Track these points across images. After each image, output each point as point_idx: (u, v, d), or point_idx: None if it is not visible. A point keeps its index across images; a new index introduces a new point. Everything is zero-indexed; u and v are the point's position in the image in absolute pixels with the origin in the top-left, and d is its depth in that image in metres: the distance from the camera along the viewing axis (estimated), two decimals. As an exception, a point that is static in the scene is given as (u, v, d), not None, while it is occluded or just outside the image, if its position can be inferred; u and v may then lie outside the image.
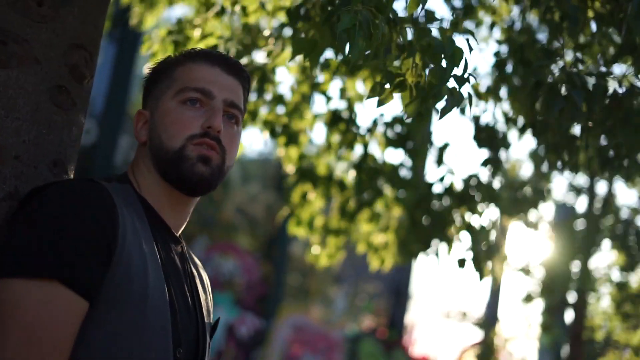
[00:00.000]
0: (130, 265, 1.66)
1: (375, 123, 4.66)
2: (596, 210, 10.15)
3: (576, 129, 3.11)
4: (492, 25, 4.33)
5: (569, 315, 11.29)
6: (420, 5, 2.11)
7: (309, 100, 4.52)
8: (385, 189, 4.73)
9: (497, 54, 3.93)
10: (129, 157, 12.99)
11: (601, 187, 10.42)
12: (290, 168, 4.79)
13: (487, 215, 4.48)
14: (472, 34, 2.22)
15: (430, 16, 3.31)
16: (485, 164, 4.39)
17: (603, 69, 3.29)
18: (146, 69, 2.05)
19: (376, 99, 2.18)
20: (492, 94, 4.29)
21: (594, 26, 3.11)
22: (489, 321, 17.95)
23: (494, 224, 4.55)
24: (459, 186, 4.50)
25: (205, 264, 14.75)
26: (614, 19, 2.82)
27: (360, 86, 4.55)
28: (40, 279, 1.55)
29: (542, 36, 3.81)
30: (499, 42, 4.14)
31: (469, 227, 4.42)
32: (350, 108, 4.59)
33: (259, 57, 4.15)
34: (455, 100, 2.10)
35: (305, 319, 18.11)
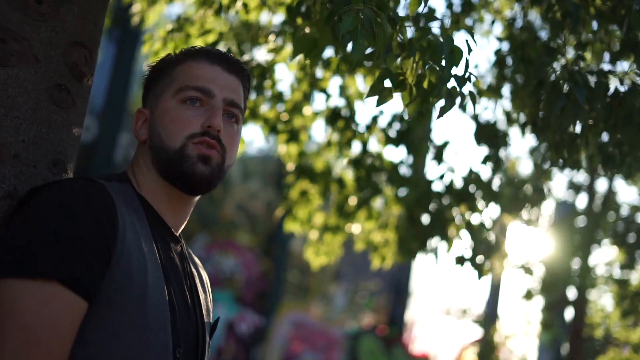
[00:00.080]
0: (129, 265, 1.66)
1: (374, 120, 4.66)
2: (596, 207, 10.15)
3: (577, 127, 3.10)
4: (492, 22, 4.32)
5: (568, 313, 11.29)
6: (422, 4, 2.10)
7: (309, 98, 4.51)
8: (384, 187, 4.73)
9: (497, 52, 3.92)
10: (129, 155, 12.99)
11: (601, 185, 10.43)
12: (290, 166, 4.78)
13: (487, 213, 4.48)
14: (472, 34, 2.21)
15: (430, 14, 3.30)
16: (485, 161, 4.38)
17: (604, 66, 3.29)
18: (146, 67, 2.04)
19: (376, 97, 2.18)
20: (492, 91, 4.28)
21: (595, 24, 3.10)
22: (489, 318, 17.95)
23: (494, 222, 4.55)
24: (458, 184, 4.49)
25: (205, 261, 14.80)
26: (616, 17, 2.82)
27: (360, 82, 4.55)
28: (39, 279, 1.55)
29: (544, 33, 3.80)
30: (500, 39, 4.13)
31: (468, 225, 4.41)
32: (350, 106, 4.58)
33: (259, 54, 4.15)
34: (455, 100, 2.09)
35: (305, 316, 18.13)
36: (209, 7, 3.79)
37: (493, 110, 4.36)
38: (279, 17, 4.03)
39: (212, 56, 1.93)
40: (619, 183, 10.79)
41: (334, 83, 4.41)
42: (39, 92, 1.83)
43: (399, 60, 2.17)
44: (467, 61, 2.10)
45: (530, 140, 4.92)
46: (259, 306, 16.47)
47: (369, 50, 2.08)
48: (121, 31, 12.30)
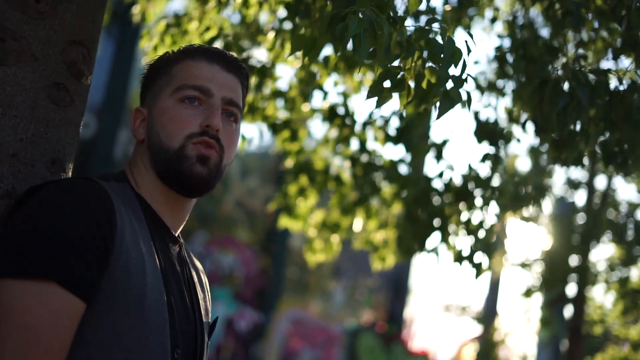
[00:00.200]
0: (128, 265, 1.65)
1: (371, 117, 4.66)
2: (595, 204, 10.15)
3: (577, 125, 3.10)
4: (493, 20, 4.31)
5: (568, 310, 11.29)
6: (422, 2, 2.10)
7: (308, 95, 4.51)
8: (383, 186, 4.72)
9: (498, 49, 3.92)
10: (128, 151, 12.97)
11: (600, 182, 10.43)
12: (288, 162, 4.78)
13: (487, 211, 4.47)
14: (471, 35, 2.20)
15: (431, 13, 3.29)
16: (484, 159, 4.38)
17: (605, 64, 3.29)
18: (144, 65, 2.03)
19: (375, 98, 2.17)
20: (493, 88, 4.27)
21: (596, 22, 3.10)
22: (488, 315, 17.97)
23: (495, 220, 4.54)
24: (458, 182, 4.49)
25: (204, 258, 14.79)
26: (616, 15, 2.81)
27: (357, 77, 4.54)
28: (38, 280, 1.54)
29: (545, 31, 3.80)
30: (500, 37, 4.13)
31: (467, 224, 4.41)
32: (346, 103, 4.58)
33: (259, 53, 4.14)
34: (452, 101, 2.08)
35: (304, 313, 18.13)
36: (208, 4, 3.79)
37: (494, 109, 4.36)
38: (278, 15, 4.02)
39: (210, 55, 1.92)
40: (618, 180, 10.77)
41: (331, 81, 4.40)
42: (37, 91, 1.82)
43: (398, 60, 2.16)
44: (464, 62, 2.09)
45: (530, 137, 4.91)
46: (258, 303, 16.47)
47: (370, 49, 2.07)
48: (120, 27, 12.28)
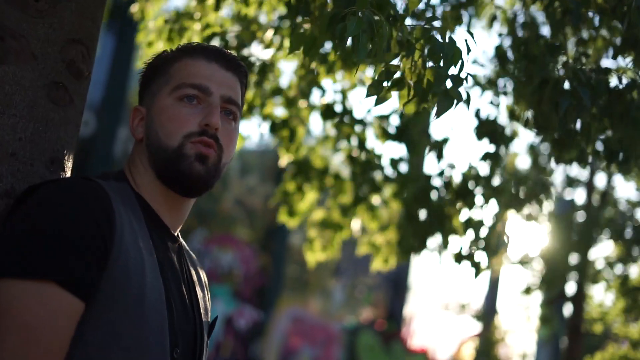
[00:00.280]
0: (127, 265, 1.65)
1: (369, 114, 4.66)
2: (595, 201, 10.16)
3: (577, 124, 3.10)
4: (494, 18, 4.30)
5: (567, 308, 11.31)
6: (422, 2, 2.09)
7: (307, 93, 4.50)
8: (383, 185, 4.71)
9: (499, 48, 3.91)
10: (128, 149, 12.97)
11: (600, 180, 10.43)
12: (286, 159, 4.76)
13: (487, 210, 4.47)
14: (472, 33, 2.19)
15: (431, 12, 3.29)
16: (485, 158, 4.37)
17: (605, 62, 3.29)
18: (142, 64, 2.02)
19: (375, 97, 2.17)
20: (493, 85, 4.27)
21: (596, 20, 3.10)
22: (487, 313, 17.99)
23: (495, 219, 4.54)
24: (458, 180, 4.48)
25: (203, 256, 14.79)
26: (617, 14, 2.81)
27: (357, 76, 4.54)
28: (37, 280, 1.54)
29: (546, 29, 3.79)
30: (501, 35, 4.12)
31: (467, 222, 4.40)
32: (344, 101, 4.58)
33: (258, 50, 4.13)
34: (452, 100, 2.08)
35: (304, 311, 18.14)
36: (207, 1, 3.78)
37: (496, 106, 4.35)
38: (277, 13, 4.01)
39: (208, 53, 1.91)
40: (618, 178, 10.78)
41: (330, 78, 4.40)
42: (36, 90, 1.82)
43: (398, 59, 2.15)
44: (462, 62, 2.09)
45: (529, 136, 4.90)
46: (257, 301, 16.48)
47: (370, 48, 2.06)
48: (120, 25, 12.27)
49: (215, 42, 3.95)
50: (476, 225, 4.37)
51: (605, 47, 3.33)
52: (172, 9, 4.10)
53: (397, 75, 2.16)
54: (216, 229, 16.53)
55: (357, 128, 4.65)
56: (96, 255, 1.60)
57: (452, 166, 4.52)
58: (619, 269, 10.17)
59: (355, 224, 4.95)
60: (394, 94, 2.19)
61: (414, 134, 4.57)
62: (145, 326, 1.66)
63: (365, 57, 1.97)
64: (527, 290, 11.26)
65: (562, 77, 2.76)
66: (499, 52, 3.85)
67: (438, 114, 2.10)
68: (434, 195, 4.51)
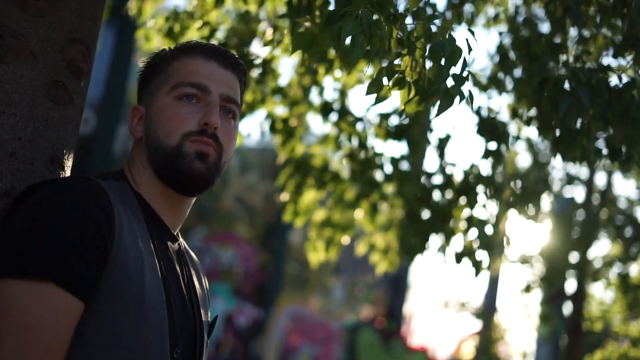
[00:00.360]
0: (126, 265, 1.65)
1: (369, 112, 4.65)
2: (595, 200, 10.16)
3: (577, 123, 3.10)
4: (496, 16, 4.30)
5: (567, 306, 11.31)
6: (422, 0, 2.09)
7: (307, 90, 4.50)
8: (384, 185, 4.71)
9: (500, 47, 3.91)
10: (128, 147, 12.96)
11: (600, 179, 10.43)
12: (283, 157, 4.76)
13: (489, 208, 4.46)
14: (472, 32, 2.19)
15: (432, 9, 3.28)
16: (486, 156, 4.36)
17: (606, 60, 3.28)
18: (140, 63, 2.02)
19: (375, 95, 2.16)
20: (493, 83, 4.26)
21: (597, 18, 3.09)
22: (487, 311, 17.99)
23: (497, 218, 4.53)
24: (459, 178, 4.47)
25: (203, 254, 14.79)
26: (617, 13, 2.81)
27: (358, 75, 4.53)
28: (36, 280, 1.54)
29: (546, 27, 3.79)
30: (501, 34, 4.11)
31: (469, 221, 4.39)
32: (342, 99, 4.57)
33: (258, 48, 4.13)
34: (452, 99, 2.08)
35: (304, 309, 18.14)
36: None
37: (496, 105, 4.35)
38: (277, 11, 4.01)
39: (207, 52, 1.91)
40: (617, 177, 10.79)
41: (329, 77, 4.40)
42: (36, 89, 1.81)
43: (399, 57, 2.15)
44: (465, 60, 2.08)
45: (530, 134, 4.90)
46: (257, 299, 16.48)
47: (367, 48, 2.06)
48: (120, 23, 12.26)
49: (215, 41, 3.94)
50: (478, 224, 4.36)
51: (606, 45, 3.32)
52: (170, 7, 4.10)
53: (398, 73, 2.15)
54: (216, 227, 16.53)
55: (358, 127, 4.65)
56: (96, 255, 1.60)
57: (453, 164, 4.52)
58: (618, 267, 10.17)
59: (357, 223, 4.95)
60: (395, 92, 2.19)
61: (414, 132, 4.56)
62: (145, 326, 1.66)
63: (362, 58, 1.96)
64: (527, 289, 11.26)
65: (561, 77, 2.76)
66: (500, 50, 3.85)
67: (439, 113, 2.10)
68: (436, 194, 4.50)
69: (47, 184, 1.68)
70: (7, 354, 1.51)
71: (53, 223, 1.59)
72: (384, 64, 2.16)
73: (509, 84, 4.20)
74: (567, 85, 2.74)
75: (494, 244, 4.40)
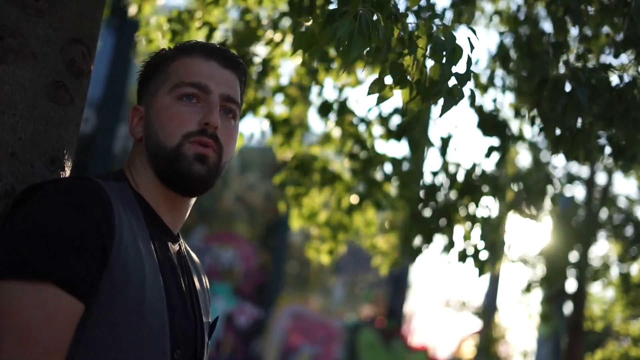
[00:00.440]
0: (126, 265, 1.64)
1: (370, 113, 4.65)
2: (595, 200, 10.15)
3: (577, 123, 3.09)
4: (497, 13, 4.29)
5: (568, 306, 11.31)
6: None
7: (307, 90, 4.50)
8: (384, 184, 4.70)
9: (501, 46, 3.90)
10: (128, 146, 12.95)
11: (600, 178, 10.43)
12: (282, 156, 4.75)
13: (492, 207, 4.45)
14: (474, 30, 2.18)
15: (432, 10, 3.28)
16: (489, 154, 4.34)
17: (607, 59, 3.28)
18: (140, 63, 2.01)
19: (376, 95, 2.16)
20: (493, 84, 4.26)
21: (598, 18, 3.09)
22: (488, 311, 17.98)
23: (500, 218, 4.52)
24: (461, 177, 4.46)
25: (204, 253, 14.78)
26: (618, 12, 2.80)
27: (357, 71, 4.53)
28: (36, 282, 1.53)
29: (548, 26, 3.78)
30: (502, 34, 4.11)
31: (473, 220, 4.38)
32: (341, 99, 4.57)
33: (259, 48, 4.12)
34: (455, 98, 2.07)
35: (304, 309, 18.14)
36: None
37: (498, 103, 4.33)
38: (278, 10, 4.00)
39: (207, 51, 1.90)
40: (618, 176, 10.79)
41: (330, 76, 4.41)
42: (36, 90, 1.81)
43: (400, 57, 2.14)
44: (469, 59, 2.08)
45: (531, 133, 4.89)
46: (257, 298, 16.47)
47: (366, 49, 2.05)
48: (120, 22, 12.24)
49: (215, 41, 3.94)
50: (482, 223, 4.35)
51: (608, 44, 3.32)
52: (170, 6, 4.09)
53: (399, 73, 2.15)
54: (216, 226, 16.52)
55: (359, 126, 4.64)
56: (95, 256, 1.59)
57: (457, 164, 4.50)
58: (618, 267, 10.16)
59: (358, 224, 4.94)
60: (396, 92, 2.18)
61: (415, 131, 4.55)
62: (145, 327, 1.65)
63: (358, 57, 1.96)
64: (528, 288, 11.25)
65: (561, 77, 2.76)
66: (501, 50, 3.85)
67: (442, 112, 2.09)
68: (438, 193, 4.49)
69: (47, 184, 1.67)
70: (6, 355, 1.50)
71: (53, 224, 1.58)
72: (385, 64, 2.15)
73: (510, 83, 4.19)
74: (567, 85, 2.73)
75: (497, 244, 4.39)
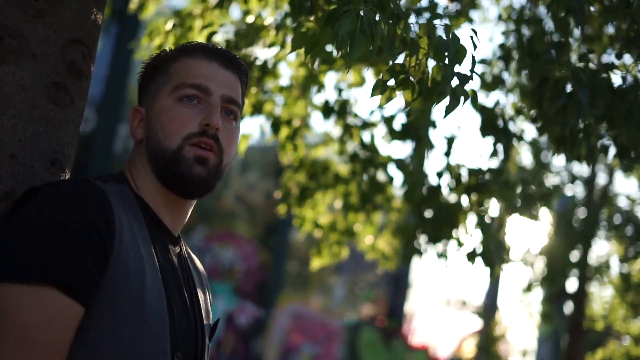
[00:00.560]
0: (126, 268, 1.63)
1: (372, 115, 4.64)
2: (595, 199, 10.15)
3: (579, 123, 3.09)
4: (499, 17, 4.29)
5: (568, 305, 11.30)
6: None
7: (308, 90, 4.49)
8: (386, 185, 4.69)
9: (502, 46, 3.89)
10: (128, 146, 12.94)
11: (601, 177, 10.42)
12: (286, 158, 4.74)
13: (497, 207, 4.45)
14: (476, 32, 2.17)
15: (433, 8, 3.27)
16: (494, 153, 4.33)
17: (609, 58, 3.27)
18: (141, 64, 2.00)
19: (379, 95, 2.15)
20: (496, 83, 4.25)
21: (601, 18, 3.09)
22: (488, 310, 17.99)
23: (502, 217, 4.52)
24: (467, 177, 4.45)
25: (204, 253, 14.77)
26: (620, 12, 2.80)
27: (364, 73, 4.52)
28: (35, 284, 1.53)
29: (550, 26, 3.78)
30: (504, 34, 4.10)
31: (479, 219, 4.37)
32: (342, 99, 4.56)
33: (260, 49, 4.12)
34: (458, 99, 2.06)
35: (305, 308, 18.13)
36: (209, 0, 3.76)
37: (500, 101, 4.32)
38: (280, 11, 3.99)
39: (208, 52, 1.89)
40: (618, 175, 10.79)
41: (331, 77, 4.42)
42: (37, 90, 1.80)
43: (402, 57, 2.14)
44: (473, 58, 2.07)
45: (533, 132, 4.89)
46: (258, 298, 16.47)
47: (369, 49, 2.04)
48: (120, 20, 12.23)
49: (217, 41, 3.93)
50: (488, 224, 4.34)
51: (610, 44, 3.31)
52: (171, 4, 4.08)
53: (402, 74, 2.14)
54: (217, 226, 16.51)
55: (361, 126, 4.63)
56: (95, 259, 1.59)
57: (460, 165, 4.49)
58: (618, 266, 10.16)
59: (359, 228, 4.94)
60: (399, 93, 2.17)
61: (420, 128, 4.54)
62: (145, 329, 1.65)
63: (360, 56, 1.95)
64: (528, 287, 11.25)
65: (562, 77, 2.75)
66: (503, 50, 3.84)
67: (446, 113, 2.08)
68: (443, 193, 4.48)
69: (46, 187, 1.67)
70: (6, 355, 1.50)
71: (53, 226, 1.58)
72: (386, 65, 2.14)
73: (511, 83, 4.19)
74: (568, 85, 2.73)
75: (504, 244, 4.39)
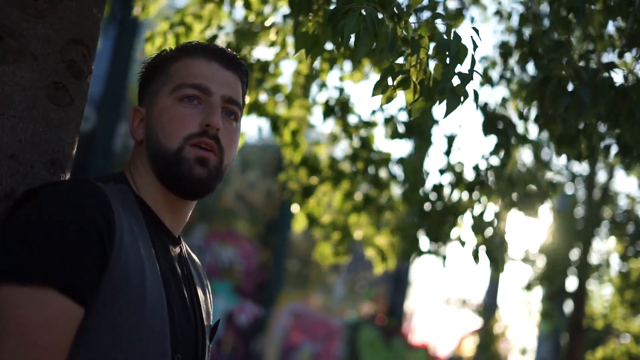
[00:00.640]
0: (127, 269, 1.63)
1: (374, 115, 4.63)
2: (596, 197, 10.14)
3: (580, 123, 3.08)
4: (499, 14, 4.28)
5: (568, 304, 11.30)
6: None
7: (308, 89, 4.48)
8: (389, 184, 4.69)
9: (503, 45, 3.89)
10: (128, 145, 12.94)
11: (601, 175, 10.42)
12: (292, 156, 4.74)
13: (495, 206, 4.44)
14: (477, 31, 2.16)
15: (433, 7, 3.26)
16: (496, 151, 4.32)
17: (611, 57, 3.27)
18: (141, 64, 1.99)
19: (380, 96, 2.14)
20: (498, 82, 4.25)
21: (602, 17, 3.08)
22: (488, 308, 17.99)
23: (502, 216, 4.51)
24: (469, 175, 4.45)
25: (204, 252, 14.77)
26: (623, 11, 2.79)
27: (366, 71, 4.52)
28: (35, 285, 1.52)
29: (550, 23, 3.77)
30: (504, 32, 4.10)
31: (480, 218, 4.37)
32: (343, 98, 4.55)
33: (260, 49, 4.11)
34: (459, 98, 2.05)
35: (305, 307, 18.13)
36: (210, 1, 3.76)
37: (503, 103, 4.32)
38: (280, 11, 3.99)
39: (209, 52, 1.89)
40: (619, 174, 10.79)
41: (332, 75, 4.41)
42: (36, 90, 1.80)
43: (402, 57, 2.13)
44: (473, 58, 2.06)
45: (534, 131, 4.89)
46: (258, 297, 16.46)
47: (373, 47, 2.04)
48: (120, 19, 12.22)
49: (217, 41, 3.93)
50: (488, 222, 4.34)
51: (612, 43, 3.31)
52: (173, 4, 4.08)
53: (402, 74, 2.13)
54: (217, 225, 16.51)
55: (362, 126, 4.63)
56: (96, 259, 1.58)
57: (461, 164, 4.49)
58: (618, 265, 10.16)
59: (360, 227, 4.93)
60: (400, 92, 2.17)
61: (423, 125, 4.53)
62: (145, 330, 1.64)
63: (365, 55, 1.94)
64: (528, 286, 11.25)
65: (564, 76, 2.74)
66: (504, 49, 3.83)
67: (447, 112, 2.08)
68: (445, 191, 4.48)
69: (46, 187, 1.66)
70: (6, 356, 1.50)
71: (53, 226, 1.57)
72: (388, 64, 2.14)
73: (513, 83, 4.18)
74: (569, 84, 2.72)
75: (506, 242, 4.38)
